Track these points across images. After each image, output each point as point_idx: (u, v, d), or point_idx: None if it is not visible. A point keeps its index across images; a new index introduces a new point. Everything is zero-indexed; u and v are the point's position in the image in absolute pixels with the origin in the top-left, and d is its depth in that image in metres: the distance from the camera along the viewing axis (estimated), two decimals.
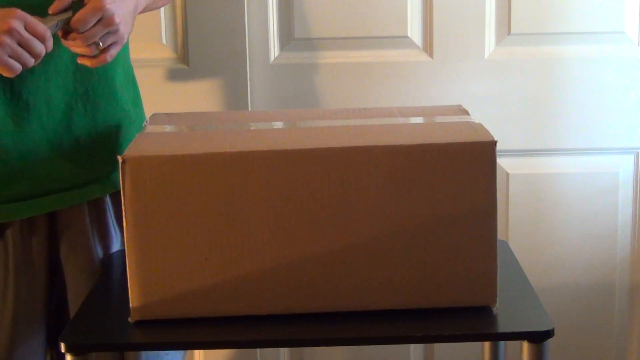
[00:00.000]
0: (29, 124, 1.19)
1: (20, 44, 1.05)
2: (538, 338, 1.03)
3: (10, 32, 1.04)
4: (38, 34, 1.06)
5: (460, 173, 1.02)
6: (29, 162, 1.20)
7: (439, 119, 1.16)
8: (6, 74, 1.07)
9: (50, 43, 1.07)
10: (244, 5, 1.64)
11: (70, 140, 1.23)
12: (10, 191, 1.20)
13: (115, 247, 1.31)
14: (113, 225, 1.31)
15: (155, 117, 1.22)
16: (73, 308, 1.27)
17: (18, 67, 1.06)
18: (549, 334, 1.03)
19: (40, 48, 1.06)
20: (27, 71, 1.14)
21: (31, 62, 1.07)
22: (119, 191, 1.29)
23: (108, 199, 1.30)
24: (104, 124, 1.26)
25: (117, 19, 1.10)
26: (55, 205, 1.24)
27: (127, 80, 1.32)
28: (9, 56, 1.05)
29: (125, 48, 1.32)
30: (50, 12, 1.09)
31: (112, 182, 1.28)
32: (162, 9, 1.65)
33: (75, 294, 1.27)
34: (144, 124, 1.18)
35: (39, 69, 1.17)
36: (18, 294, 1.24)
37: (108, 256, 1.30)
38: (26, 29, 1.05)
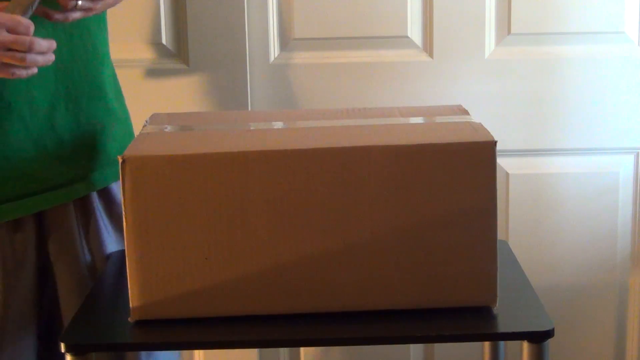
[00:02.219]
0: (11, 125, 1.18)
1: (12, 48, 1.04)
2: (538, 338, 1.03)
3: None
4: (21, 30, 1.04)
5: (460, 173, 1.02)
6: (14, 163, 1.19)
7: (439, 119, 1.16)
8: (16, 77, 1.07)
9: (32, 29, 1.06)
10: (244, 5, 1.64)
11: (54, 139, 1.22)
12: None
13: (109, 244, 1.30)
14: (104, 223, 1.30)
15: (155, 117, 1.22)
16: (65, 307, 1.26)
17: (23, 72, 1.07)
18: (549, 334, 1.03)
19: (28, 43, 1.04)
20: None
21: (33, 59, 1.06)
22: (106, 189, 1.31)
23: (96, 197, 1.29)
24: (87, 122, 1.26)
25: None
26: (41, 205, 1.23)
27: (111, 78, 1.32)
28: (11, 65, 1.05)
29: (106, 46, 1.31)
30: None
31: (97, 179, 1.28)
32: (162, 9, 1.65)
33: (67, 293, 1.26)
34: (144, 124, 1.18)
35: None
36: (6, 296, 1.23)
37: (107, 256, 1.30)
38: (9, 31, 1.04)
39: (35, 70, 1.09)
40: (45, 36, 1.15)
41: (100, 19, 1.29)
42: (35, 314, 1.27)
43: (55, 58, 1.18)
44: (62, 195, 1.24)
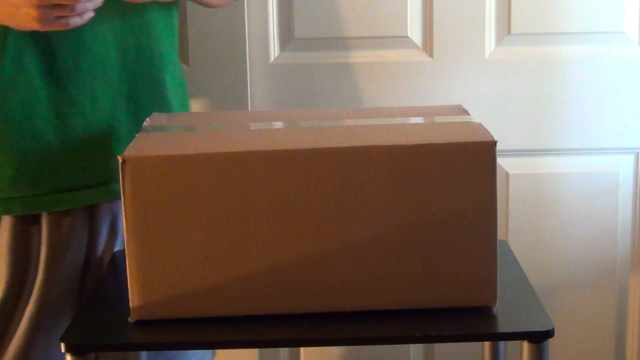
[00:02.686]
0: (72, 119, 1.23)
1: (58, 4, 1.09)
2: (538, 338, 1.03)
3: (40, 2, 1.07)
4: None
5: (460, 173, 1.02)
6: (71, 156, 1.23)
7: (439, 119, 1.16)
8: (72, 26, 1.11)
9: None
10: (244, 5, 1.64)
11: (113, 137, 1.26)
12: (50, 183, 1.23)
13: None
14: None
15: (155, 117, 1.22)
16: None
17: (78, 20, 1.11)
18: (549, 334, 1.03)
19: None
20: (74, 67, 1.20)
21: (83, 8, 1.10)
22: None
23: None
24: None
25: None
26: (94, 198, 1.27)
27: (175, 84, 1.35)
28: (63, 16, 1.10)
29: (173, 53, 1.35)
30: None
31: None
32: None
33: None
34: (144, 124, 1.18)
35: (86, 66, 1.22)
36: (46, 286, 1.25)
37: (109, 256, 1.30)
38: None
39: (90, 14, 1.12)
40: (113, 36, 1.22)
41: (170, 26, 1.33)
42: (75, 303, 1.29)
43: (121, 60, 1.24)
44: (115, 190, 1.27)
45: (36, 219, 1.25)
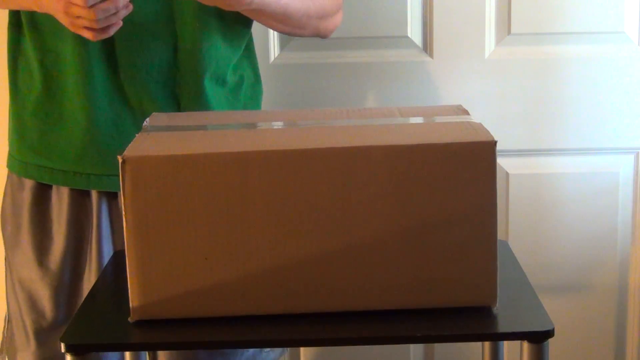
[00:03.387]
0: (125, 114, 1.32)
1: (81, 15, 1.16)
2: (538, 338, 1.03)
3: (68, 9, 1.15)
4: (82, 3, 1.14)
5: (460, 173, 1.02)
6: (116, 143, 1.31)
7: (439, 119, 1.16)
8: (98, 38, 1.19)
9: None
10: None
11: None
12: (94, 164, 1.33)
13: None
14: None
15: (155, 117, 1.22)
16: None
17: (103, 35, 1.18)
18: (549, 334, 1.03)
19: (91, 14, 1.14)
20: (129, 65, 1.30)
21: (107, 22, 1.16)
22: None
23: None
24: None
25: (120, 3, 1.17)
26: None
27: (219, 87, 1.37)
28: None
29: (221, 54, 1.37)
30: None
31: None
32: None
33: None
34: (144, 124, 1.18)
35: (140, 62, 1.29)
36: (99, 263, 1.35)
37: (110, 256, 1.30)
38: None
39: (116, 27, 1.18)
40: (171, 38, 1.30)
41: (230, 37, 1.36)
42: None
43: (174, 62, 1.31)
44: None
45: (89, 195, 1.35)
